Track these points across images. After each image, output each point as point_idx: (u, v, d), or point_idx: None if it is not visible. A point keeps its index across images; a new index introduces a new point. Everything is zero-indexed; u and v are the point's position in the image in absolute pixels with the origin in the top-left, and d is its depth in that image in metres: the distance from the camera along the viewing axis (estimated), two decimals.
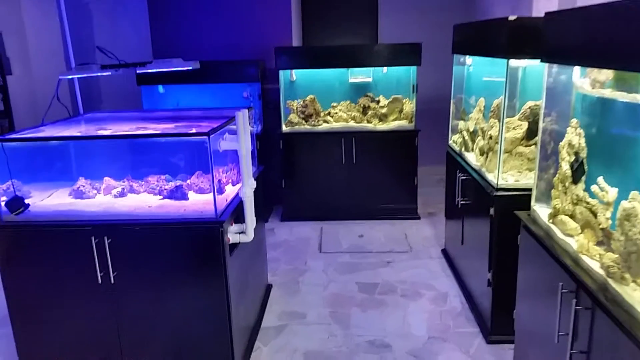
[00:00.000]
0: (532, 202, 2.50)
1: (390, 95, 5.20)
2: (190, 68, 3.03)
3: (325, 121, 5.23)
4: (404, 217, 5.20)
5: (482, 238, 3.13)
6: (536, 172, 2.50)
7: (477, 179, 3.25)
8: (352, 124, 5.19)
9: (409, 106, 5.17)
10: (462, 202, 3.58)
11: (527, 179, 2.96)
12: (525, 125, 3.04)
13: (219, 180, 2.83)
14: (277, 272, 4.07)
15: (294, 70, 5.31)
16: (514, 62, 2.87)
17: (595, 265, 1.88)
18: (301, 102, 5.26)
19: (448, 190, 4.13)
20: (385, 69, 5.28)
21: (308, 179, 5.20)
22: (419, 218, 5.22)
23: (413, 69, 5.10)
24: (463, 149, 3.76)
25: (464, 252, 3.70)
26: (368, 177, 5.15)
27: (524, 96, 3.12)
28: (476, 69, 3.82)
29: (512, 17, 2.70)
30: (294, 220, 5.23)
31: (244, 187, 2.68)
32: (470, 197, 3.45)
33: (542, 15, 2.28)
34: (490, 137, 3.14)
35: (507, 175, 3.00)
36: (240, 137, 2.62)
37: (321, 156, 5.14)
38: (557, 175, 2.30)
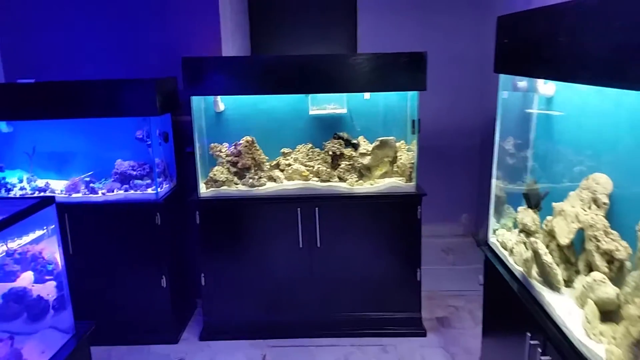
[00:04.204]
0: None
1: (376, 136, 3.24)
2: None
3: (272, 178, 3.24)
4: (400, 333, 3.20)
5: None
6: None
7: None
8: (314, 182, 3.21)
9: (406, 155, 3.22)
10: None
11: None
12: None
13: None
14: None
15: (219, 97, 3.31)
16: None
17: None
18: (232, 148, 3.26)
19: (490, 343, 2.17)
20: (367, 94, 3.31)
21: (243, 272, 3.18)
22: (424, 334, 3.23)
23: (413, 94, 3.16)
24: (534, 272, 1.80)
25: None
26: (341, 270, 3.16)
27: None
28: (566, 100, 1.89)
29: None
30: (221, 339, 3.19)
31: None
32: None
33: None
34: None
35: None
36: None
37: (265, 236, 3.14)
38: None
